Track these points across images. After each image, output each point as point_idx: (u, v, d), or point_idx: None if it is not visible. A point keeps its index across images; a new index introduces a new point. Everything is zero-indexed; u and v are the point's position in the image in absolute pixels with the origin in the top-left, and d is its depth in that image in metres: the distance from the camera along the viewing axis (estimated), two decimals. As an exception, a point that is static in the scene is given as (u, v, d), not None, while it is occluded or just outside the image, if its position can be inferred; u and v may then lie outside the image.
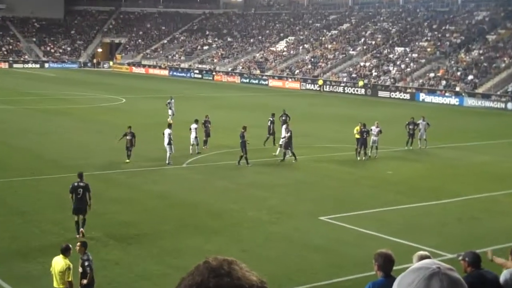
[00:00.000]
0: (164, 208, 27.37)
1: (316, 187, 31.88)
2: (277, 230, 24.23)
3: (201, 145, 40.89)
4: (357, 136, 39.62)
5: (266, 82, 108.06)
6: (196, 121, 39.95)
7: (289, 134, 37.64)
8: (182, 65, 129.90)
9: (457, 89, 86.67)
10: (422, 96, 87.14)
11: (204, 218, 25.61)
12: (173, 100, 56.73)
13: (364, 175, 34.90)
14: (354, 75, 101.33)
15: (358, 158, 39.12)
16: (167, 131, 36.43)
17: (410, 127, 44.60)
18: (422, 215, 26.91)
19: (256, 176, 34.12)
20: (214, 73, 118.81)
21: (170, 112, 55.18)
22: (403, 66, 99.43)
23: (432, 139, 45.93)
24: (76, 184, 22.58)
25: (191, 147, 39.69)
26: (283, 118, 45.80)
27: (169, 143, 36.16)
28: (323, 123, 56.47)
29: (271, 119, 43.70)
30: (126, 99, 73.94)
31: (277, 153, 39.08)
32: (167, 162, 36.18)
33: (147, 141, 41.94)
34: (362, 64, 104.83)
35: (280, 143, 38.73)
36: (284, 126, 39.65)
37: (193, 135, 39.23)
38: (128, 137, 36.13)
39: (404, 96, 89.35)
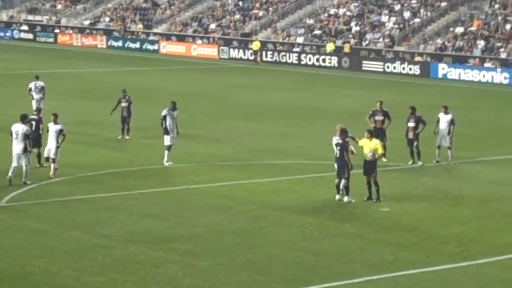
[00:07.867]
0: None
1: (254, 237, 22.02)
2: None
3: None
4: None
5: (156, 47, 78.47)
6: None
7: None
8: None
9: (504, 55, 64.04)
10: (442, 69, 65.75)
11: None
12: (39, 83, 38.81)
13: (329, 214, 24.81)
14: (317, 32, 72.87)
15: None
16: (14, 129, 26.01)
17: (410, 124, 31.10)
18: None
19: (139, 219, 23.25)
20: (57, 31, 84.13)
21: (35, 103, 36.72)
22: (406, 14, 71.64)
23: (461, 148, 33.57)
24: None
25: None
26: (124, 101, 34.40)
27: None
28: (266, 122, 41.25)
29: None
30: None
31: None
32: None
33: None
34: (332, 11, 75.05)
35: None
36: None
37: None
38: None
39: (410, 69, 67.24)
